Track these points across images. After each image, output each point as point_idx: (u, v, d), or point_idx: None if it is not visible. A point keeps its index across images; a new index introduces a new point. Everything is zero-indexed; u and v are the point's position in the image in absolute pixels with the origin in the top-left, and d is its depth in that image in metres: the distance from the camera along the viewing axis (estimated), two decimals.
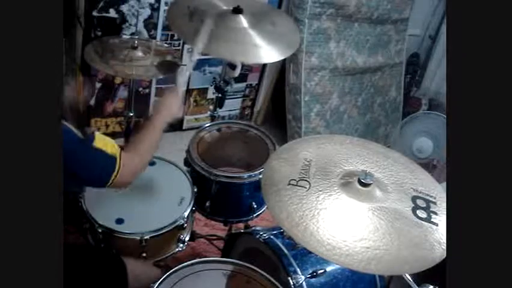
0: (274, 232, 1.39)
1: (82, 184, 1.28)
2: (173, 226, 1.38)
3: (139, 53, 1.68)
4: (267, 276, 1.18)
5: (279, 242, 1.33)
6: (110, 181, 1.10)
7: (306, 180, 1.02)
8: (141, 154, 1.20)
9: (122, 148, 1.17)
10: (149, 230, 1.34)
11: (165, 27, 2.34)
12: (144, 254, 1.36)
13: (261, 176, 1.25)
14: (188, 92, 2.67)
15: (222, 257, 1.46)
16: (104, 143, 1.10)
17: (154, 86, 2.53)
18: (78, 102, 1.58)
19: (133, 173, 1.17)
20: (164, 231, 1.36)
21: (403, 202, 1.01)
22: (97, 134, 1.10)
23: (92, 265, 1.26)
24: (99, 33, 2.17)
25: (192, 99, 2.72)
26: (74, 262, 1.16)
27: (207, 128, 1.75)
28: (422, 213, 0.99)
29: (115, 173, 1.10)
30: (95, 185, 1.25)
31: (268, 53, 1.46)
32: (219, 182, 1.56)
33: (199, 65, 2.59)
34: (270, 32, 1.52)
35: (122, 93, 2.44)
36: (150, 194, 1.47)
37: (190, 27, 1.47)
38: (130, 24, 2.24)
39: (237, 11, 1.50)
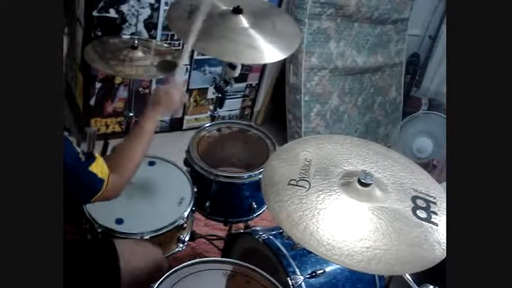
0: (274, 232, 1.39)
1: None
2: (173, 226, 1.38)
3: (139, 53, 1.68)
4: (267, 276, 1.18)
5: (278, 242, 1.33)
6: (92, 200, 1.11)
7: (306, 180, 1.02)
8: (128, 170, 1.18)
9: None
10: (149, 230, 1.34)
11: (165, 27, 2.34)
12: None
13: (261, 176, 1.25)
14: (189, 92, 2.67)
15: (222, 257, 1.46)
16: (98, 167, 1.09)
17: (154, 86, 2.53)
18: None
19: (117, 192, 1.16)
20: (164, 231, 1.36)
21: (403, 202, 1.01)
22: (98, 158, 1.09)
23: (81, 249, 1.25)
24: (99, 33, 2.17)
25: (192, 99, 2.72)
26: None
27: (207, 128, 1.75)
28: (422, 213, 0.99)
29: (98, 194, 1.10)
30: (75, 201, 1.26)
31: (267, 54, 1.46)
32: (219, 182, 1.56)
33: (199, 65, 2.59)
34: (270, 32, 1.52)
35: (122, 93, 2.44)
36: (150, 194, 1.47)
37: (189, 25, 1.47)
38: (130, 24, 2.24)
39: (237, 11, 1.50)
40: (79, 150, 1.07)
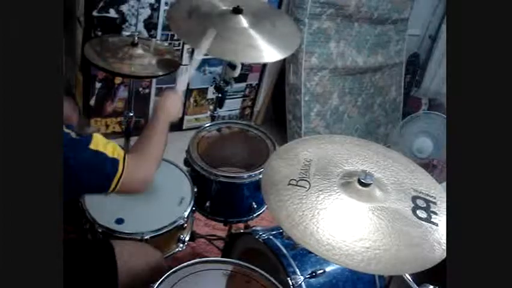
0: (274, 232, 1.39)
1: (81, 191, 1.17)
2: (173, 226, 1.38)
3: (139, 51, 1.67)
4: (267, 276, 1.18)
5: (278, 242, 1.33)
6: (113, 186, 1.03)
7: (306, 180, 1.02)
8: (147, 158, 1.12)
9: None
10: (149, 230, 1.34)
11: (165, 27, 2.34)
12: None
13: (261, 176, 1.25)
14: (189, 92, 2.68)
15: (222, 257, 1.46)
16: (104, 144, 1.02)
17: (154, 86, 2.53)
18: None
19: (142, 179, 1.10)
20: (164, 231, 1.36)
21: (403, 202, 1.01)
22: (95, 135, 1.02)
23: (78, 249, 1.22)
24: (99, 33, 2.17)
25: (192, 99, 2.73)
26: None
27: (207, 128, 1.75)
28: (422, 213, 0.99)
29: (117, 176, 1.02)
30: (95, 191, 1.15)
31: (266, 53, 1.46)
32: (219, 182, 1.55)
33: (199, 65, 2.59)
34: (269, 33, 1.52)
35: (122, 93, 2.43)
36: (150, 194, 1.47)
37: (189, 25, 1.47)
38: (130, 24, 2.24)
39: (237, 11, 1.50)
40: (69, 131, 0.98)
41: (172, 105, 1.29)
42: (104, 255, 1.22)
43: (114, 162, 1.02)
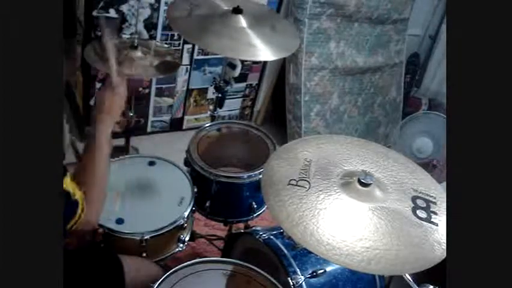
0: (274, 232, 1.39)
1: None
2: (173, 226, 1.38)
3: (139, 53, 1.68)
4: (267, 276, 1.18)
5: (278, 242, 1.33)
6: (69, 227, 0.98)
7: (306, 180, 1.02)
8: (99, 198, 1.08)
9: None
10: (149, 230, 1.34)
11: (165, 27, 2.35)
12: (144, 254, 1.36)
13: (261, 176, 1.25)
14: (189, 92, 2.68)
15: (222, 257, 1.46)
16: (71, 184, 0.96)
17: (154, 86, 2.53)
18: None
19: (94, 222, 1.09)
20: (164, 231, 1.36)
21: (403, 202, 1.01)
22: (68, 174, 0.96)
23: (87, 264, 1.23)
24: (99, 33, 2.17)
25: (192, 99, 2.73)
26: (70, 262, 1.13)
27: (207, 128, 1.75)
28: (422, 213, 1.00)
29: (75, 219, 0.98)
30: None
31: (264, 52, 1.47)
32: (219, 182, 1.56)
33: (199, 65, 2.59)
34: (268, 33, 1.53)
35: None
36: (150, 194, 1.47)
37: (189, 23, 1.48)
38: (130, 24, 2.24)
39: (237, 11, 1.51)
40: None
41: (110, 107, 1.19)
42: (113, 270, 1.22)
43: (74, 204, 0.97)
